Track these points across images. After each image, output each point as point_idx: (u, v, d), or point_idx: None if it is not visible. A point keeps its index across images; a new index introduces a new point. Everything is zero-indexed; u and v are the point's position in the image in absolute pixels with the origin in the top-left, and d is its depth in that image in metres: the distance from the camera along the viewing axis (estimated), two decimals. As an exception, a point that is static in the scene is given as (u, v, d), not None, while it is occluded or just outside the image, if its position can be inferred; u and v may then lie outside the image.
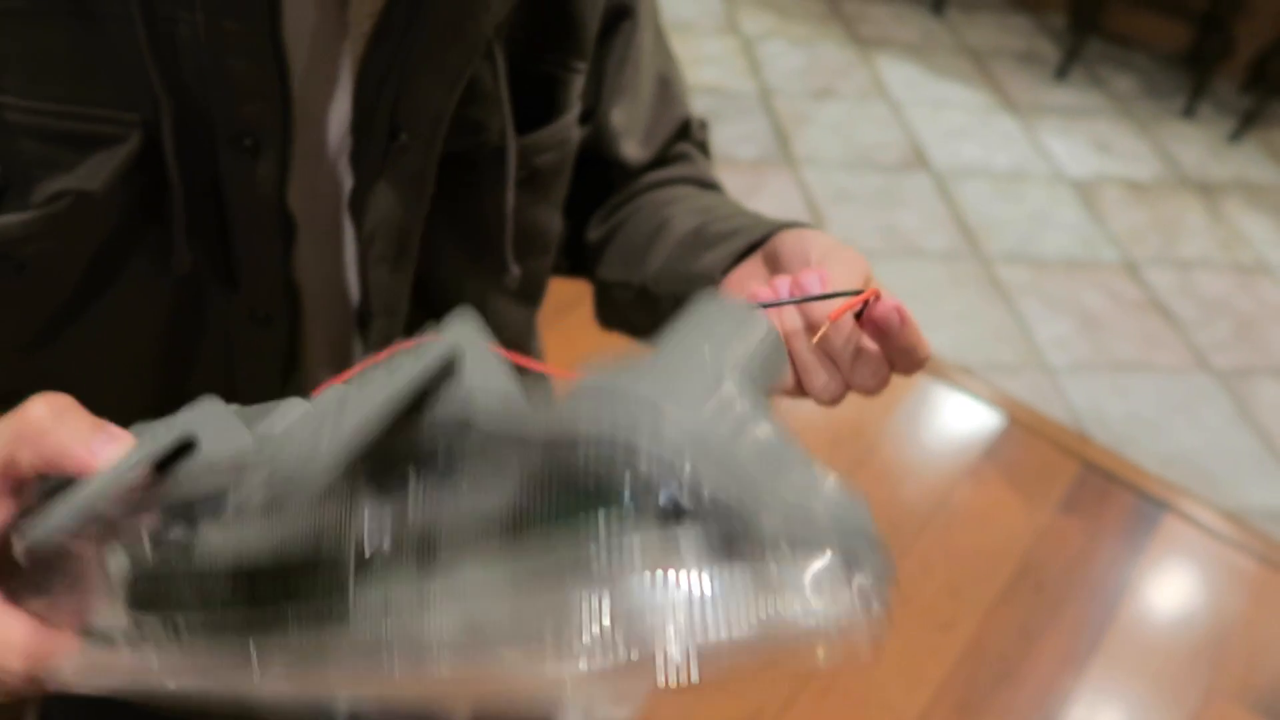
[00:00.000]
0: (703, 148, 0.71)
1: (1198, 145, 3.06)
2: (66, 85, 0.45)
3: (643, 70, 0.63)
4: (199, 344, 0.55)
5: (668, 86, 0.66)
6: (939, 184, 2.67)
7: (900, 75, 3.11)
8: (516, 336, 0.65)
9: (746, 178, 2.53)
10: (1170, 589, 1.66)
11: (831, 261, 0.46)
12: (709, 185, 0.67)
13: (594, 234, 0.66)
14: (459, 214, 0.56)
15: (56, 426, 0.33)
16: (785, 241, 0.50)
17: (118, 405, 0.43)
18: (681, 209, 0.60)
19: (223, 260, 0.52)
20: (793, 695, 1.39)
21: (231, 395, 0.57)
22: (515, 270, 0.58)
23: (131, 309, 0.51)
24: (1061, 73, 3.25)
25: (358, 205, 0.53)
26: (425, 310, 0.58)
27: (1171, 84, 3.33)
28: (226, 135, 0.48)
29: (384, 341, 0.57)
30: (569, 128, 0.58)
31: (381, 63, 0.49)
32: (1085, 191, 2.77)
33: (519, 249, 0.58)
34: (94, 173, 0.46)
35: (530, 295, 0.65)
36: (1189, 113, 3.18)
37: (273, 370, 0.56)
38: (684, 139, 0.68)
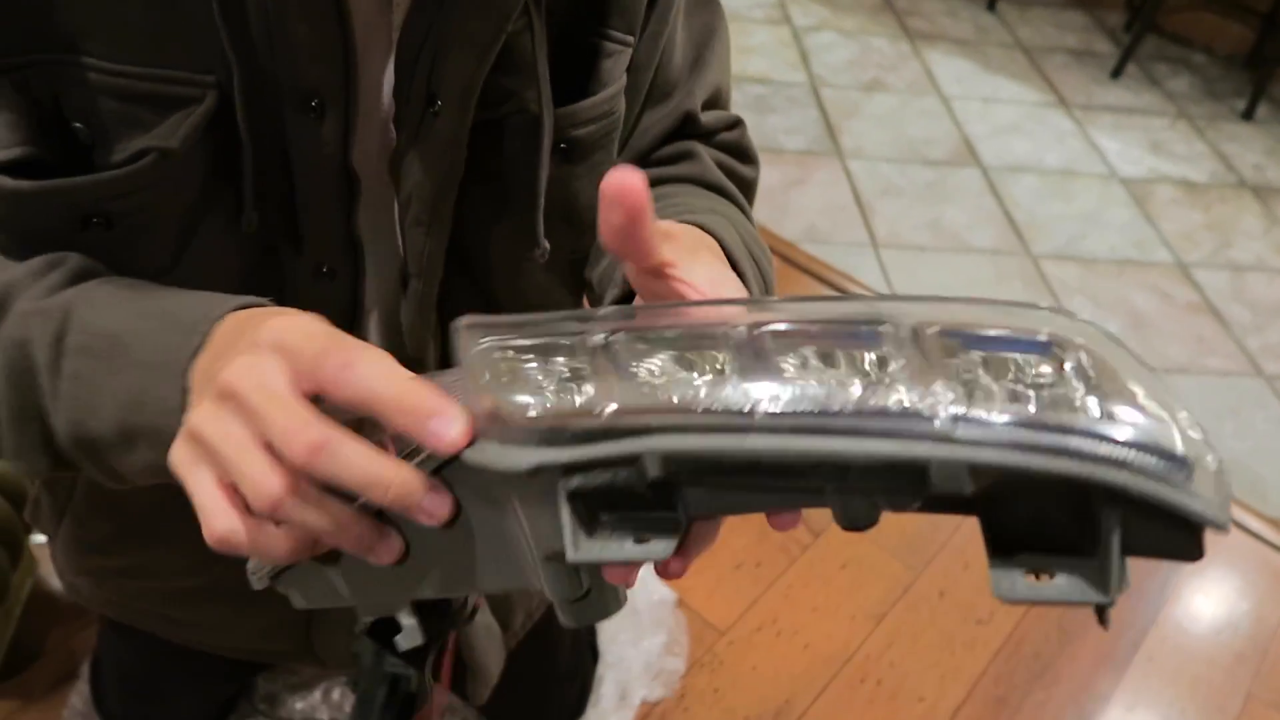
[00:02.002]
0: (731, 148, 0.68)
1: (1256, 148, 2.99)
2: (144, 49, 0.46)
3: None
4: (274, 297, 0.56)
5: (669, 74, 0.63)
6: (988, 180, 2.64)
7: (951, 70, 3.08)
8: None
9: (793, 169, 2.52)
10: (1214, 594, 1.64)
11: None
12: (710, 186, 0.64)
13: None
14: (493, 182, 0.56)
15: (374, 374, 0.35)
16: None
17: None
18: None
19: (290, 218, 0.53)
20: (825, 684, 1.39)
21: None
22: (544, 244, 0.58)
23: (210, 268, 0.53)
24: (1116, 71, 3.20)
25: (396, 169, 0.54)
26: (462, 276, 0.59)
27: (1230, 85, 3.27)
28: (293, 97, 0.49)
29: (419, 303, 0.58)
30: (611, 100, 0.58)
31: (420, 31, 0.50)
32: (1138, 191, 2.72)
33: (556, 223, 0.59)
34: (172, 131, 0.47)
35: (569, 273, 0.65)
36: (1248, 115, 3.12)
37: (336, 323, 0.57)
38: (688, 135, 0.66)
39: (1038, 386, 0.29)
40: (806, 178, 2.51)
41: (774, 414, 0.30)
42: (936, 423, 0.28)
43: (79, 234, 0.48)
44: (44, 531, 0.76)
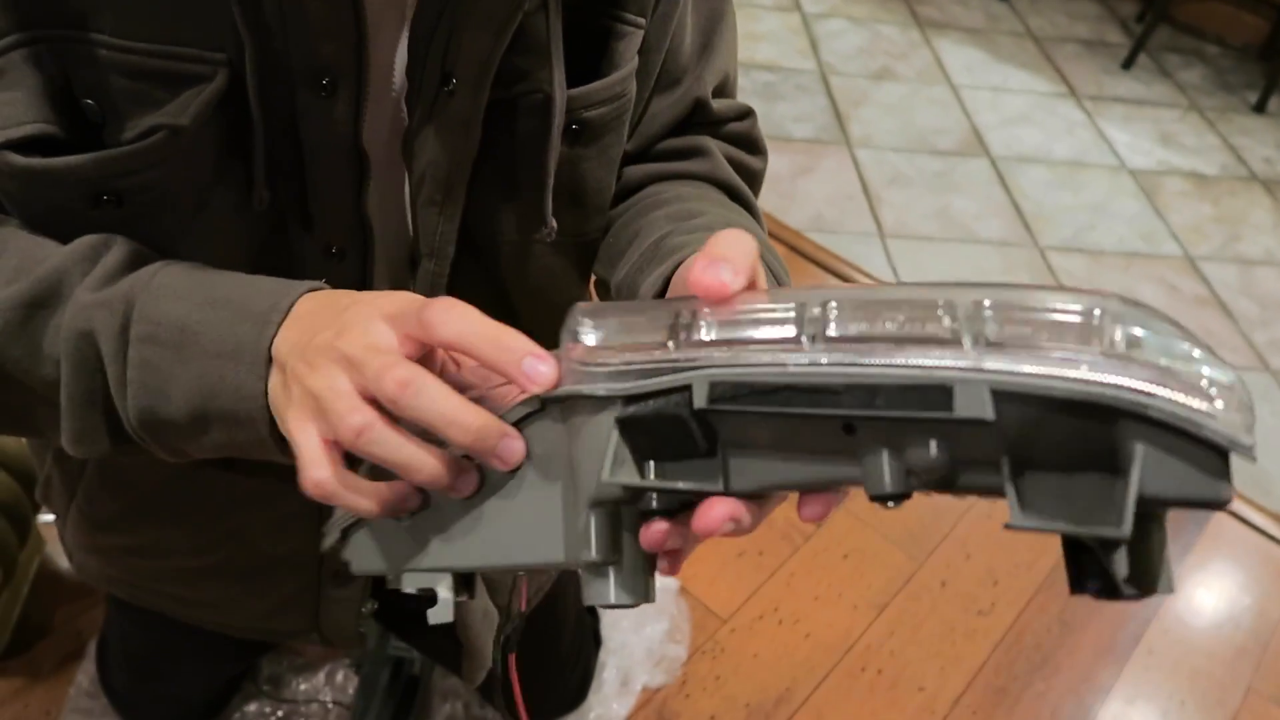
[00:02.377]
0: (741, 140, 0.68)
1: (1267, 140, 2.98)
2: (155, 26, 0.46)
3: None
4: (283, 277, 0.56)
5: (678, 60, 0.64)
6: (997, 170, 2.63)
7: (961, 59, 3.06)
8: (563, 297, 0.66)
9: (801, 157, 2.52)
10: (1215, 587, 1.64)
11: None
12: (722, 185, 0.65)
13: None
14: (504, 162, 0.56)
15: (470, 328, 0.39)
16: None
17: None
18: (661, 215, 0.59)
19: (300, 197, 0.53)
20: (826, 673, 1.40)
21: None
22: (551, 223, 0.58)
23: (220, 245, 0.53)
24: (1128, 62, 3.18)
25: (409, 148, 0.54)
26: (469, 256, 0.59)
27: (1242, 77, 3.25)
28: (304, 75, 0.49)
29: (430, 283, 0.58)
30: (622, 83, 0.58)
31: (435, 8, 0.50)
32: (1147, 183, 2.71)
33: (565, 205, 0.59)
34: (183, 109, 0.47)
35: (577, 256, 0.65)
36: (1260, 107, 3.10)
37: None
38: (698, 122, 0.66)
39: (1069, 336, 0.30)
40: (814, 166, 2.50)
41: (817, 348, 0.33)
42: (965, 352, 0.30)
43: (90, 211, 0.48)
44: (55, 510, 0.76)
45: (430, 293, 0.58)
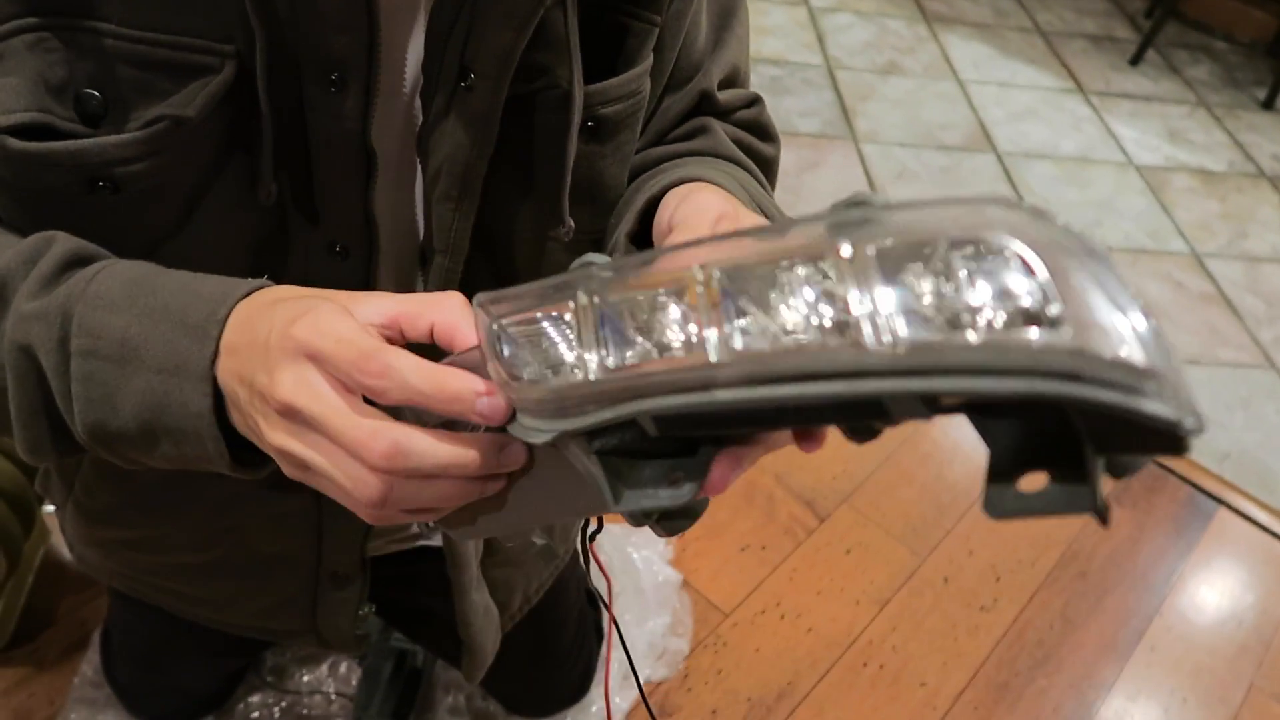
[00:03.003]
0: (750, 125, 0.68)
1: (1276, 137, 2.96)
2: (163, 15, 0.46)
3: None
4: (281, 275, 0.56)
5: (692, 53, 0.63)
6: (1003, 166, 2.62)
7: (969, 54, 3.05)
8: None
9: (808, 151, 2.51)
10: (1218, 585, 1.64)
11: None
12: (722, 158, 0.65)
13: None
14: (521, 158, 0.56)
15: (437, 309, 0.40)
16: (680, 208, 0.49)
17: None
18: (657, 176, 0.59)
19: (305, 192, 0.53)
20: (828, 667, 1.40)
21: None
22: (569, 222, 0.58)
23: (219, 237, 0.53)
24: (1136, 58, 3.17)
25: (424, 143, 0.54)
26: (483, 253, 0.59)
27: (1251, 73, 3.23)
28: (314, 69, 0.49)
29: (443, 280, 0.58)
30: (639, 79, 0.58)
31: (453, 3, 0.50)
32: (1154, 180, 2.70)
33: (580, 201, 0.59)
34: (189, 100, 0.47)
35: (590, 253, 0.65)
36: (1268, 104, 3.08)
37: None
38: (704, 113, 0.66)
39: (986, 302, 0.28)
40: (821, 161, 2.50)
41: (734, 365, 0.32)
42: (881, 355, 0.28)
43: (85, 197, 0.48)
44: (54, 501, 0.76)
45: (442, 289, 0.58)
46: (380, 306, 0.41)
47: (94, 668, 1.19)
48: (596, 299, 0.35)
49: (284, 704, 1.22)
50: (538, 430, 0.37)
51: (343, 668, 1.26)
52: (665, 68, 0.61)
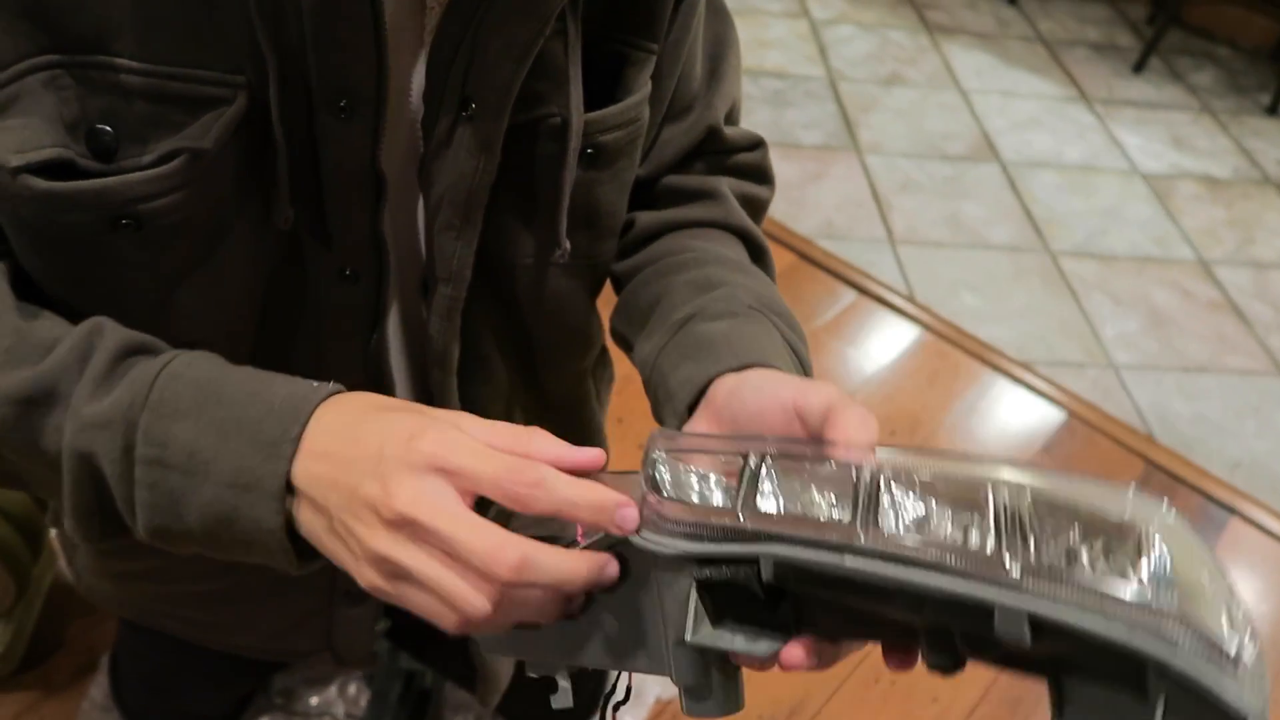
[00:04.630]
0: (751, 171, 0.68)
1: (1280, 143, 2.96)
2: (177, 49, 0.46)
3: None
4: (295, 302, 0.56)
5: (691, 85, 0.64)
6: (1007, 175, 2.62)
7: (971, 63, 3.06)
8: (575, 319, 0.66)
9: (811, 164, 2.51)
10: (1232, 595, 1.63)
11: (841, 418, 0.45)
12: (735, 231, 0.65)
13: (615, 266, 0.66)
14: (521, 185, 0.56)
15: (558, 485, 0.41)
16: (755, 392, 0.49)
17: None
18: (681, 282, 0.60)
19: (318, 218, 0.53)
20: (839, 684, 1.39)
21: (320, 351, 0.59)
22: (565, 244, 0.58)
23: (236, 267, 0.53)
24: (1139, 65, 3.17)
25: (426, 172, 0.54)
26: (483, 279, 0.59)
27: (1254, 79, 3.23)
28: (324, 98, 0.49)
29: (447, 307, 0.58)
30: (637, 108, 0.58)
31: (455, 34, 0.50)
32: (1159, 187, 2.70)
33: (578, 227, 0.59)
34: (204, 132, 0.47)
35: (589, 278, 0.65)
36: (1272, 109, 3.08)
37: (357, 327, 0.58)
38: (712, 151, 0.66)
39: (1111, 562, 0.32)
40: (824, 172, 2.50)
41: (872, 545, 0.36)
42: (1009, 571, 0.32)
43: (108, 235, 0.48)
44: (63, 536, 0.76)
45: (446, 316, 0.58)
46: (481, 433, 0.43)
47: (103, 692, 1.18)
48: (765, 464, 0.40)
49: (293, 726, 1.21)
50: (660, 545, 0.40)
51: (351, 689, 1.26)
52: (664, 95, 0.61)
